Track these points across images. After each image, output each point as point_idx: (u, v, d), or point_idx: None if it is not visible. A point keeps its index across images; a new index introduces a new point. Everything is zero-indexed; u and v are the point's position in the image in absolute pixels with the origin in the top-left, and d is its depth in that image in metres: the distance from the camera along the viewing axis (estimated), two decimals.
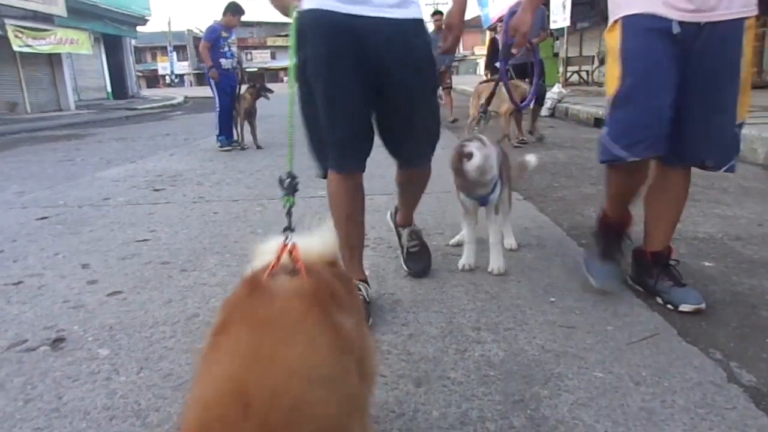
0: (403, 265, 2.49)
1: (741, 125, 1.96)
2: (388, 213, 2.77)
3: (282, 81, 44.70)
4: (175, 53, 43.80)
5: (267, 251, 1.06)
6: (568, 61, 17.06)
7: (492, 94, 2.80)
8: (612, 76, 1.94)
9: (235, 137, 7.22)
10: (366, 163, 2.12)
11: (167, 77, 46.17)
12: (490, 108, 2.86)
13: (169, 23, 41.38)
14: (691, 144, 1.98)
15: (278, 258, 1.01)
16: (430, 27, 9.62)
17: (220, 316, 0.90)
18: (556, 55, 10.17)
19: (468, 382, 1.59)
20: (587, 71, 18.44)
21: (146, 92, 28.86)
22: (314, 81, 1.93)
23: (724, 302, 2.07)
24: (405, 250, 2.50)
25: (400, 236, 2.57)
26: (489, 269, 2.42)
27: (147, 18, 23.85)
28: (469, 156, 2.25)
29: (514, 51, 2.42)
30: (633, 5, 1.87)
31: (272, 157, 6.25)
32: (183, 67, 48.62)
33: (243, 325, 0.82)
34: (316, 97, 1.96)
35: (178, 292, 2.34)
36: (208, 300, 2.24)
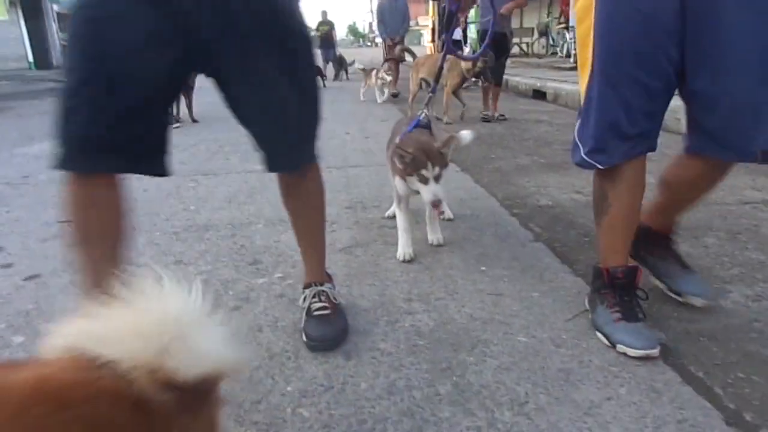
0: (302, 333, 1.69)
1: None
2: None
3: None
4: None
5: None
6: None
7: (440, 69, 2.76)
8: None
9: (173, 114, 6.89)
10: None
11: None
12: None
13: None
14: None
15: None
16: None
17: None
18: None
19: (397, 352, 1.61)
20: (527, 43, 18.76)
21: None
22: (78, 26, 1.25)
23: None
24: (306, 312, 1.72)
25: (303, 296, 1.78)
26: (429, 241, 2.44)
27: None
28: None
29: (461, 18, 2.38)
30: None
31: (209, 131, 6.03)
32: None
33: None
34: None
35: None
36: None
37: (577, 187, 3.30)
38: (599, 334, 1.66)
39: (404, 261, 2.27)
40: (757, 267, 2.12)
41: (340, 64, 12.92)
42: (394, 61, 9.27)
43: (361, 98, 9.02)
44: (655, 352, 1.53)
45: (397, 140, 2.23)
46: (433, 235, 2.45)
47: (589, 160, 1.61)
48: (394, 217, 2.65)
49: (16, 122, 7.36)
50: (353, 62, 13.54)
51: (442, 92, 6.41)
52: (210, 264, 2.31)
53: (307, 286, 1.78)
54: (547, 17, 19.06)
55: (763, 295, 1.90)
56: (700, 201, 1.83)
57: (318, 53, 11.97)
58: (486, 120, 6.29)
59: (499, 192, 3.27)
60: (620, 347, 1.56)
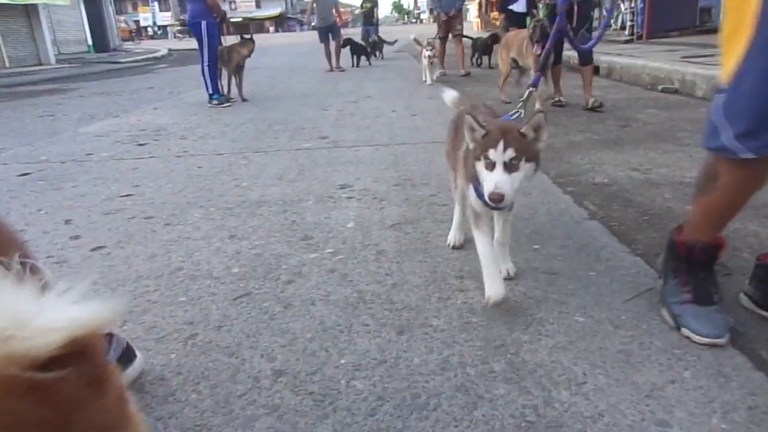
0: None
1: None
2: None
3: (268, 31, 43.35)
4: (157, 3, 42.20)
5: None
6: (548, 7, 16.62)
7: (546, 55, 2.53)
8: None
9: (221, 90, 6.99)
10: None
11: (149, 28, 44.67)
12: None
13: None
14: None
15: None
16: None
17: None
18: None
19: (450, 329, 1.60)
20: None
21: (128, 45, 27.99)
22: None
23: None
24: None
25: None
26: (501, 273, 1.82)
27: None
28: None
29: None
30: None
31: (258, 110, 6.12)
32: (165, 18, 46.94)
33: None
34: None
35: (162, 246, 2.33)
36: (192, 254, 2.23)
37: (633, 164, 3.17)
38: (664, 311, 1.59)
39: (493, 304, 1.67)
40: None
41: (374, 45, 12.65)
42: (457, 35, 8.77)
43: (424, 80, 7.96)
44: (723, 341, 1.43)
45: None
46: (504, 264, 1.90)
47: (738, 144, 1.30)
48: (457, 247, 2.16)
49: (78, 103, 7.68)
50: (395, 41, 13.27)
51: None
52: (263, 239, 2.35)
53: None
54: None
55: None
56: None
57: (359, 31, 11.86)
58: (557, 105, 5.35)
59: (552, 169, 3.18)
60: (685, 331, 1.49)
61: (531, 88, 2.12)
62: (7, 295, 0.55)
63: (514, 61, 5.64)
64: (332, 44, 10.33)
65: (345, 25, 11.94)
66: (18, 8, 16.08)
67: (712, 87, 1.20)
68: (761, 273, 1.60)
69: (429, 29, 17.58)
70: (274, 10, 53.03)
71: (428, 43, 7.77)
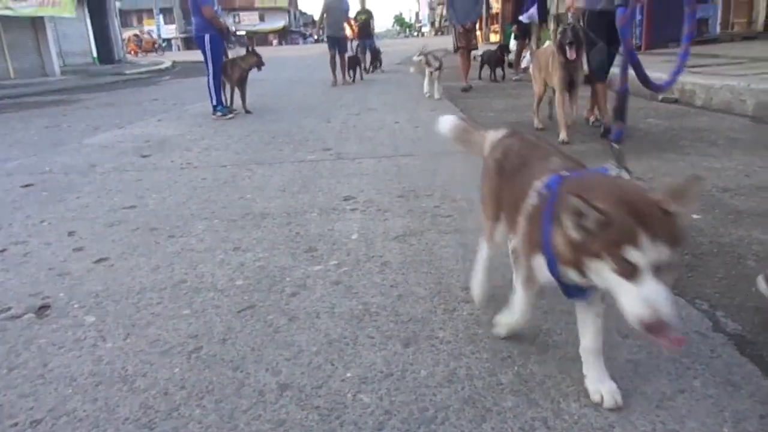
0: None
1: None
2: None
3: (271, 44, 43.68)
4: (161, 16, 42.60)
5: None
6: (558, 18, 16.67)
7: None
8: None
9: (225, 102, 7.03)
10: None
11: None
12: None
13: None
14: None
15: None
16: None
17: None
18: (547, 12, 9.77)
19: (456, 341, 1.59)
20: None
21: (133, 57, 28.21)
22: None
23: (711, 253, 2.07)
24: None
25: None
26: (593, 398, 1.30)
27: None
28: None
29: None
30: None
31: (261, 121, 6.14)
32: (170, 30, 47.36)
33: None
34: None
35: (166, 258, 2.32)
36: (196, 266, 2.22)
37: (637, 173, 3.15)
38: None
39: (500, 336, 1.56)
40: None
41: (375, 56, 12.64)
42: (466, 50, 8.14)
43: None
44: None
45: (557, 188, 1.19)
46: (602, 385, 1.30)
47: None
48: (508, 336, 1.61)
49: (83, 114, 7.72)
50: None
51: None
52: (267, 251, 2.35)
53: None
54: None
55: None
56: None
57: (355, 43, 11.74)
58: (600, 130, 4.45)
59: None
60: None
61: (613, 144, 1.84)
62: None
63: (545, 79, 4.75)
64: (338, 58, 10.19)
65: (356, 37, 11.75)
66: (25, 21, 16.21)
67: None
68: None
69: (429, 42, 17.71)
70: (278, 24, 53.53)
71: (435, 57, 7.57)
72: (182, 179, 3.67)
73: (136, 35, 35.82)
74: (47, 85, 13.36)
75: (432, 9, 58.49)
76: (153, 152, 4.65)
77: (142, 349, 1.62)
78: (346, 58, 10.41)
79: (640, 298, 0.97)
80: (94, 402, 1.39)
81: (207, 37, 6.37)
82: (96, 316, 1.84)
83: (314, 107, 7.17)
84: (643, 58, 3.06)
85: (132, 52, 32.85)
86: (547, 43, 7.18)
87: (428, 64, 7.44)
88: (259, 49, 7.58)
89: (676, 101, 5.68)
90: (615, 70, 3.87)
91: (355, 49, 11.47)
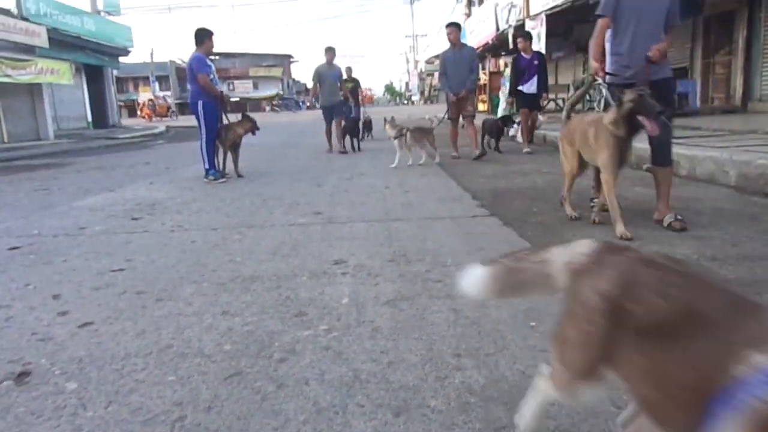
0: None
1: None
2: None
3: (264, 110, 44.89)
4: (157, 83, 43.80)
5: None
6: (583, 83, 17.39)
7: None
8: None
9: (218, 167, 7.12)
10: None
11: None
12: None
13: (151, 54, 41.40)
14: None
15: None
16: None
17: None
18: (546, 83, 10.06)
19: (448, 410, 1.55)
20: (563, 99, 18.87)
21: (127, 122, 28.72)
22: None
23: None
24: None
25: None
26: None
27: (129, 49, 23.89)
28: None
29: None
30: None
31: (253, 185, 6.22)
32: (146, 96, 48.38)
33: None
34: None
35: (153, 322, 2.28)
36: (183, 330, 2.18)
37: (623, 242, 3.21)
38: None
39: None
40: None
41: (366, 125, 12.76)
42: (460, 119, 8.08)
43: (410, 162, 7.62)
44: None
45: None
46: None
47: None
48: None
49: (74, 177, 7.77)
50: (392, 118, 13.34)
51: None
52: (256, 315, 2.32)
53: None
54: (583, 73, 19.22)
55: None
56: None
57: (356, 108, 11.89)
58: (674, 228, 3.42)
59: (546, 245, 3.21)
60: None
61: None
62: None
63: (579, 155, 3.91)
64: (334, 124, 9.99)
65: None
66: (23, 87, 16.60)
67: None
68: None
69: (419, 110, 18.28)
70: (271, 92, 55.28)
71: (392, 126, 7.70)
72: (172, 242, 3.66)
73: (151, 100, 36.66)
74: (40, 149, 13.50)
75: (422, 79, 60.77)
76: (143, 215, 4.66)
77: (124, 418, 1.57)
78: (342, 123, 10.12)
79: None
80: None
81: (200, 103, 6.63)
82: (78, 382, 1.78)
83: (306, 171, 7.29)
84: None
85: (147, 117, 33.51)
86: (593, 113, 6.48)
87: (393, 133, 7.64)
88: (252, 114, 7.78)
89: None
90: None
91: (355, 113, 11.45)
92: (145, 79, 45.41)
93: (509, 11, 15.93)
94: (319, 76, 9.87)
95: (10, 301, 2.60)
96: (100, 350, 2.03)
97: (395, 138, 7.59)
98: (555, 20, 12.86)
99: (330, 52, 9.84)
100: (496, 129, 8.97)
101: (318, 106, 10.73)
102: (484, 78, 21.60)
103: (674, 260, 1.06)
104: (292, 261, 3.10)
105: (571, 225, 3.74)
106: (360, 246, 3.33)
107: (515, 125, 9.37)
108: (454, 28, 8.13)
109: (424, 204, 4.67)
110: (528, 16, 14.39)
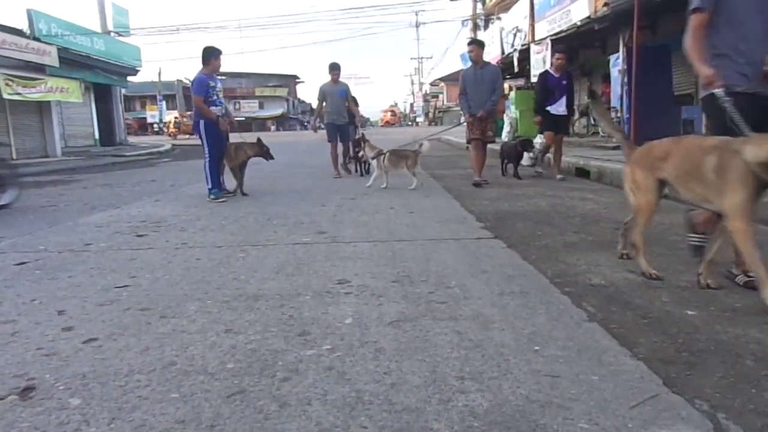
0: None
1: None
2: None
3: (269, 130, 45.31)
4: (164, 102, 44.31)
5: None
6: None
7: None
8: None
9: (224, 186, 7.14)
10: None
11: (155, 125, 46.62)
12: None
13: (159, 74, 41.89)
14: None
15: None
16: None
17: None
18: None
19: None
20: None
21: (134, 139, 28.98)
22: None
23: (708, 351, 2.07)
24: None
25: None
26: None
27: (138, 69, 24.23)
28: None
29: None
30: None
31: (257, 204, 6.25)
32: (172, 115, 48.99)
33: None
34: None
35: (156, 339, 2.29)
36: (186, 348, 2.19)
37: (629, 266, 3.21)
38: None
39: None
40: None
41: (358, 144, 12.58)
42: (479, 141, 7.46)
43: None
44: None
45: None
46: None
47: None
48: None
49: (80, 194, 7.83)
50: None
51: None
52: (259, 333, 2.32)
53: None
54: (587, 98, 19.38)
55: None
56: None
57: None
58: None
59: (549, 269, 3.21)
60: None
61: None
62: None
63: (661, 185, 3.20)
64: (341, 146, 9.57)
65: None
66: (32, 105, 16.82)
67: None
68: None
69: (422, 131, 18.41)
70: (276, 111, 55.85)
71: (371, 148, 7.73)
72: (176, 259, 3.68)
73: (176, 118, 37.45)
74: (47, 166, 13.62)
75: (426, 101, 61.31)
76: (148, 232, 4.69)
77: None
78: (349, 146, 9.73)
79: None
80: None
81: (201, 123, 6.67)
82: (81, 398, 1.78)
83: (310, 191, 7.33)
84: None
85: (172, 135, 34.15)
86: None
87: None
88: (257, 134, 7.84)
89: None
90: None
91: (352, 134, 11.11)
92: (153, 98, 45.95)
93: (515, 35, 16.15)
94: (323, 94, 9.28)
95: (17, 315, 2.61)
96: (104, 366, 2.03)
97: (373, 158, 7.78)
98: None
99: (335, 69, 9.24)
100: (515, 153, 8.42)
101: (322, 126, 10.07)
102: None
103: None
104: (296, 280, 3.11)
105: (575, 249, 3.74)
106: (364, 266, 3.34)
107: (535, 149, 8.64)
108: (476, 46, 7.73)
109: (428, 225, 4.68)
110: (533, 40, 14.58)
